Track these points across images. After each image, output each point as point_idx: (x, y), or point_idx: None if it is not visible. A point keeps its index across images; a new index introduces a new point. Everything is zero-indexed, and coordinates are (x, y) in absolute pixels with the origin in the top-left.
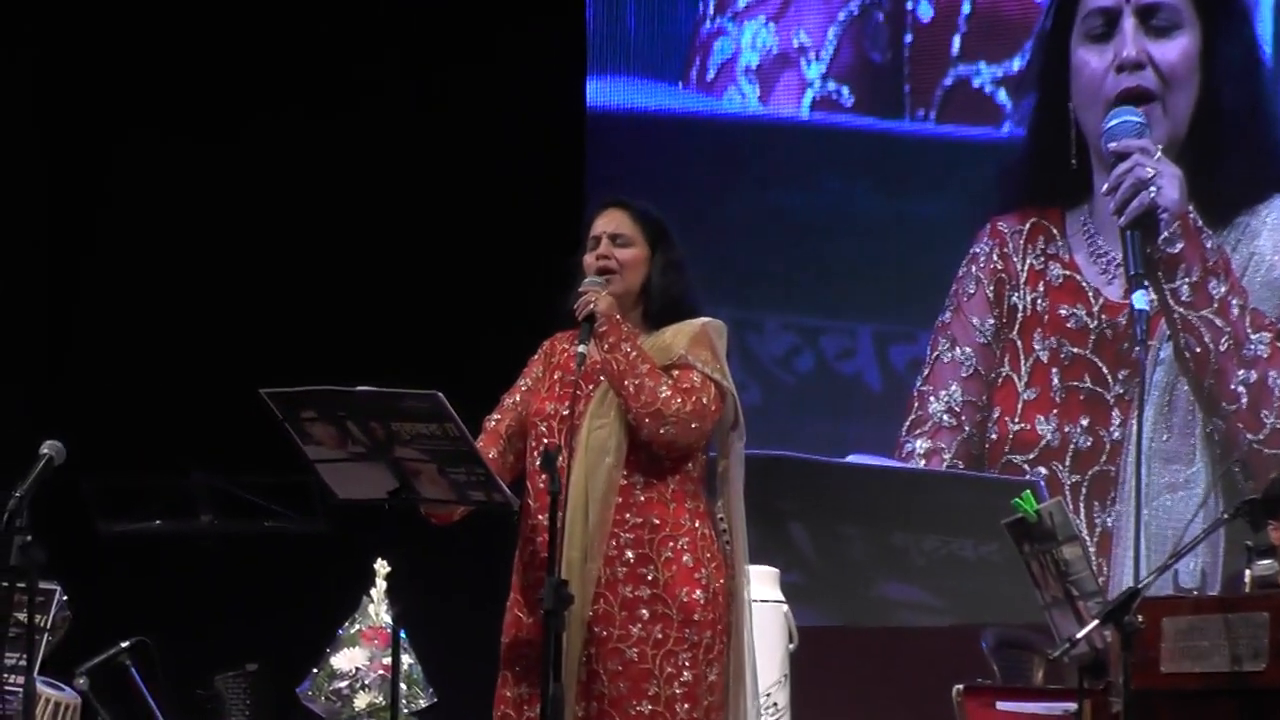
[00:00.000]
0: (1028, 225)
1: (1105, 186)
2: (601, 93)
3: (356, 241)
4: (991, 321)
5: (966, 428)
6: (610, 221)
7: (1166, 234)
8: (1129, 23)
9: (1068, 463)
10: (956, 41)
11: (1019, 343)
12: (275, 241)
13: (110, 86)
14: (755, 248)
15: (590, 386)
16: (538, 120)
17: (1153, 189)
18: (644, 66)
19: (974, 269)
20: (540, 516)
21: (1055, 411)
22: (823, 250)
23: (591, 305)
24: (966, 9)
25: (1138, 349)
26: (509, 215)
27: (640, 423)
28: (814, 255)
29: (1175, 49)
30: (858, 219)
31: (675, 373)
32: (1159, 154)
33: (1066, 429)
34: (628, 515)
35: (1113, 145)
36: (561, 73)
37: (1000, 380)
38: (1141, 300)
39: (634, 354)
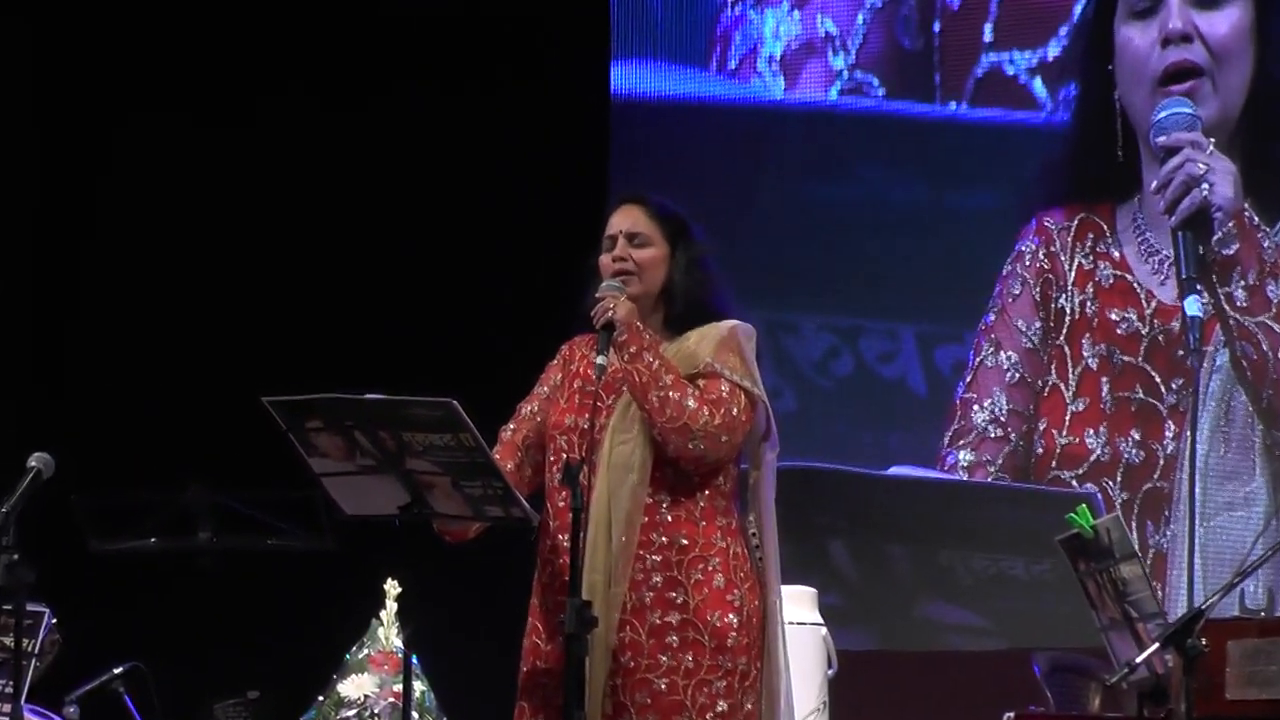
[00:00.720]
0: (1076, 221)
1: (1154, 184)
2: (627, 78)
3: (367, 238)
4: (1038, 325)
5: (1013, 439)
6: (626, 219)
7: (1220, 234)
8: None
9: (1119, 479)
10: (988, 30)
11: (1067, 349)
12: (278, 240)
13: (105, 85)
14: (788, 242)
15: (611, 398)
16: (559, 107)
17: (1205, 186)
18: (670, 51)
19: (1019, 268)
20: (560, 536)
21: (1105, 424)
22: (861, 244)
23: (610, 313)
24: None
25: (1191, 358)
26: (528, 209)
27: (666, 438)
28: (851, 250)
29: (1225, 21)
30: (896, 210)
31: (702, 382)
32: (1211, 148)
33: (1117, 443)
34: (654, 536)
35: (1161, 140)
36: (585, 58)
37: (1047, 390)
38: (1194, 306)
39: (657, 364)
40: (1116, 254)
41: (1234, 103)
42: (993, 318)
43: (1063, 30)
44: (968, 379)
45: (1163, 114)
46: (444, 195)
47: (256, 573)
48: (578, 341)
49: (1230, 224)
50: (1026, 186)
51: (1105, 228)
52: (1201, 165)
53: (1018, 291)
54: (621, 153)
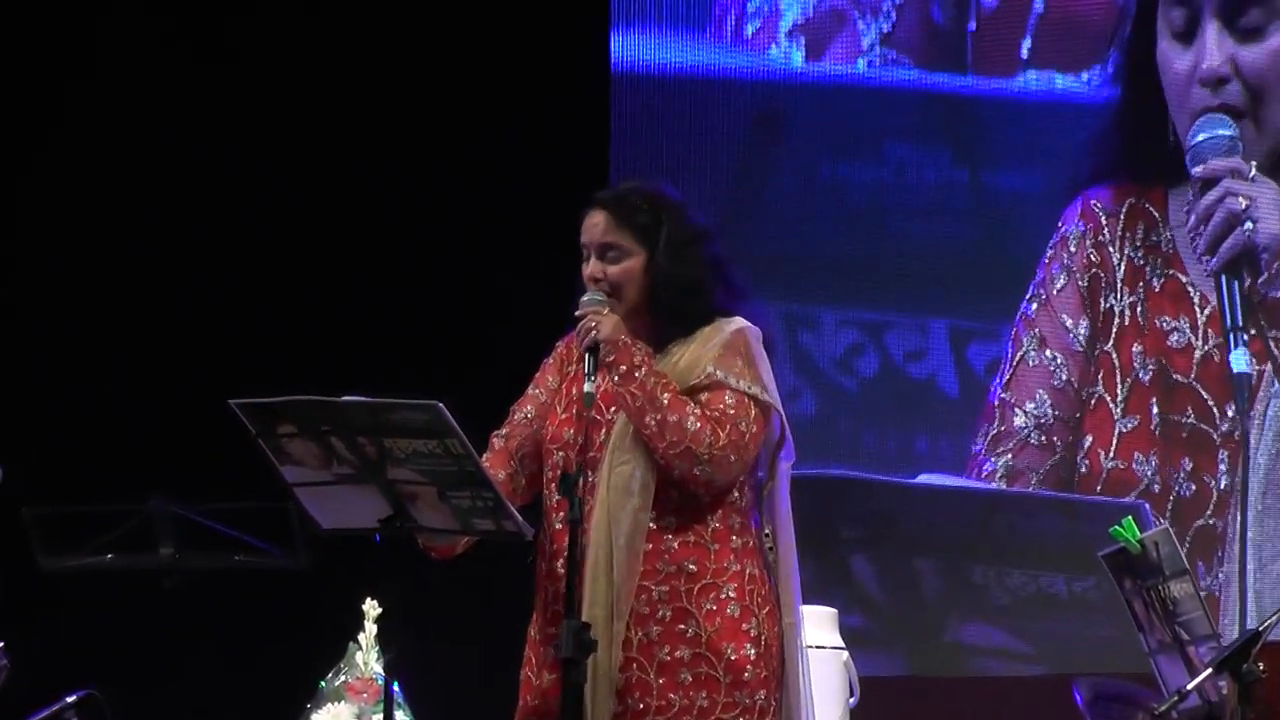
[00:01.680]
0: (1125, 207)
1: (1192, 219)
2: (628, 48)
3: (345, 223)
4: (1085, 325)
5: (1058, 449)
6: (594, 230)
7: (1267, 275)
8: (1210, 25)
9: (1168, 513)
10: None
11: (1115, 357)
12: (246, 226)
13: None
14: (808, 228)
15: (612, 410)
16: (552, 79)
17: (1248, 225)
18: (677, 16)
19: (1064, 255)
20: (559, 560)
21: (1155, 450)
22: (888, 230)
23: (593, 333)
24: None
25: (1242, 420)
26: (520, 191)
27: (670, 464)
28: (878, 236)
29: (1265, 53)
30: (927, 192)
31: (705, 395)
32: (1254, 172)
33: (1168, 472)
34: (659, 565)
35: (1198, 171)
36: (581, 25)
37: (1093, 401)
38: (1241, 361)
39: (652, 382)
40: (1169, 249)
41: (1277, 134)
42: (1034, 308)
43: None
44: (1005, 376)
45: (1200, 137)
46: (429, 179)
47: (223, 592)
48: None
49: (1277, 264)
50: (1071, 163)
51: (1157, 216)
52: (1243, 200)
53: (1062, 283)
54: (623, 131)
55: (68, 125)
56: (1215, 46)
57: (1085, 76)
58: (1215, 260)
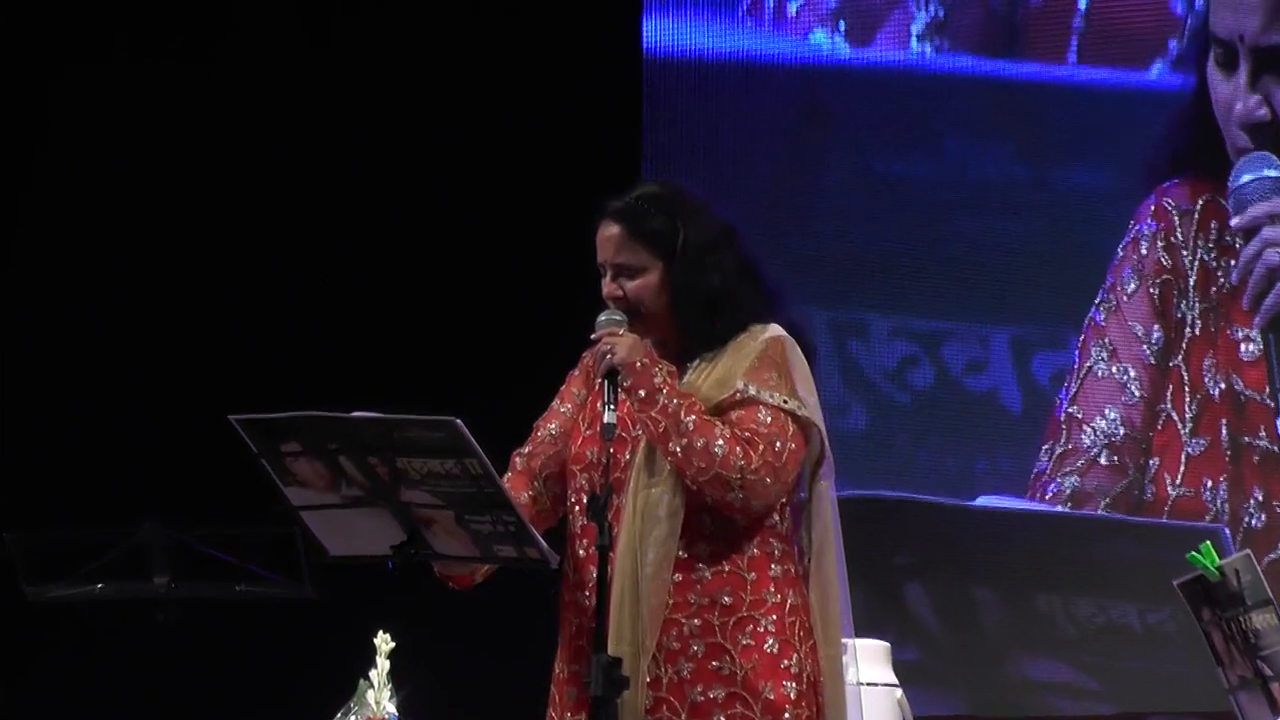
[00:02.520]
0: (1199, 204)
1: (1235, 273)
2: (662, 33)
3: (353, 226)
4: (1158, 335)
5: (1130, 471)
6: (607, 247)
7: None
8: (1244, 66)
9: (1237, 545)
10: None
11: (1184, 371)
12: (246, 230)
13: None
14: (857, 229)
15: (636, 428)
16: (580, 66)
17: None
18: (711, 0)
19: (1135, 257)
20: (585, 591)
21: (1225, 476)
22: (945, 231)
23: (610, 358)
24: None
25: None
26: (545, 189)
27: (701, 490)
28: (933, 238)
29: None
30: (989, 189)
31: (736, 413)
32: None
33: (1238, 500)
34: (690, 596)
35: (1236, 222)
36: (612, 8)
37: (1161, 421)
38: None
39: (675, 405)
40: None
41: None
42: (1104, 315)
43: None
44: (1071, 390)
45: (1245, 178)
46: (444, 176)
47: (223, 625)
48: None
49: None
50: (1144, 157)
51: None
52: None
53: (1133, 288)
54: (656, 123)
55: (56, 133)
56: (1249, 87)
57: (1155, 63)
58: (1259, 317)
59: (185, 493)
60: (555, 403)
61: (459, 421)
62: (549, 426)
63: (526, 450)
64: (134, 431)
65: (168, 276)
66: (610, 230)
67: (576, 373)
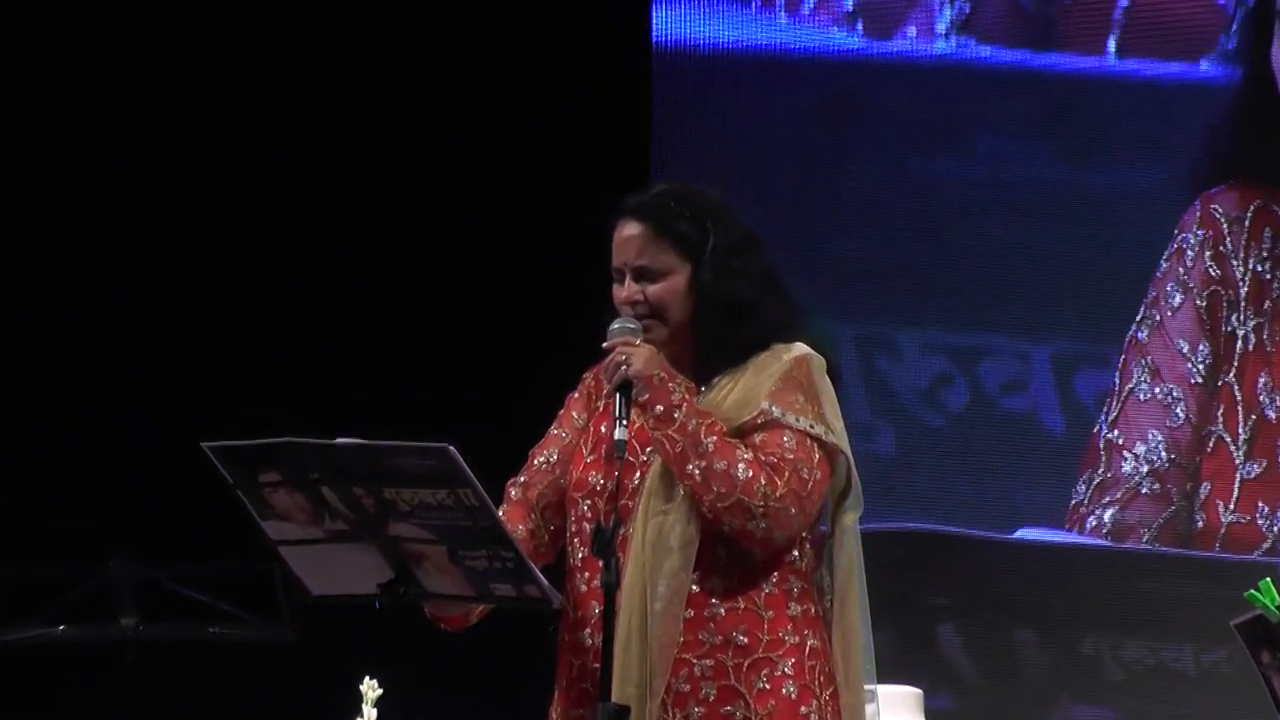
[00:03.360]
0: (1251, 211)
1: None
2: (672, 24)
3: (338, 232)
4: (1206, 351)
5: (1174, 499)
6: (629, 247)
7: None
8: None
9: None
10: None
11: (1237, 389)
12: (222, 239)
13: None
14: (884, 235)
15: (647, 451)
16: (586, 59)
17: None
18: None
19: (1179, 269)
20: (585, 630)
21: None
22: (979, 236)
23: (624, 370)
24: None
25: None
26: (549, 195)
27: (719, 518)
28: (967, 246)
29: None
30: (1026, 192)
31: (759, 436)
32: None
33: None
34: (703, 635)
35: None
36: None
37: (1211, 443)
38: None
39: (694, 424)
40: None
41: None
42: (1145, 333)
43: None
44: (1111, 414)
45: None
46: (435, 179)
47: (196, 671)
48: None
49: None
50: (1190, 160)
51: None
52: None
53: (1178, 302)
54: (667, 121)
55: (11, 146)
56: None
57: (1203, 56)
58: None
59: (155, 526)
60: (553, 428)
61: (452, 448)
62: (547, 453)
63: (522, 480)
64: (98, 458)
65: (141, 289)
66: (632, 229)
67: (576, 395)
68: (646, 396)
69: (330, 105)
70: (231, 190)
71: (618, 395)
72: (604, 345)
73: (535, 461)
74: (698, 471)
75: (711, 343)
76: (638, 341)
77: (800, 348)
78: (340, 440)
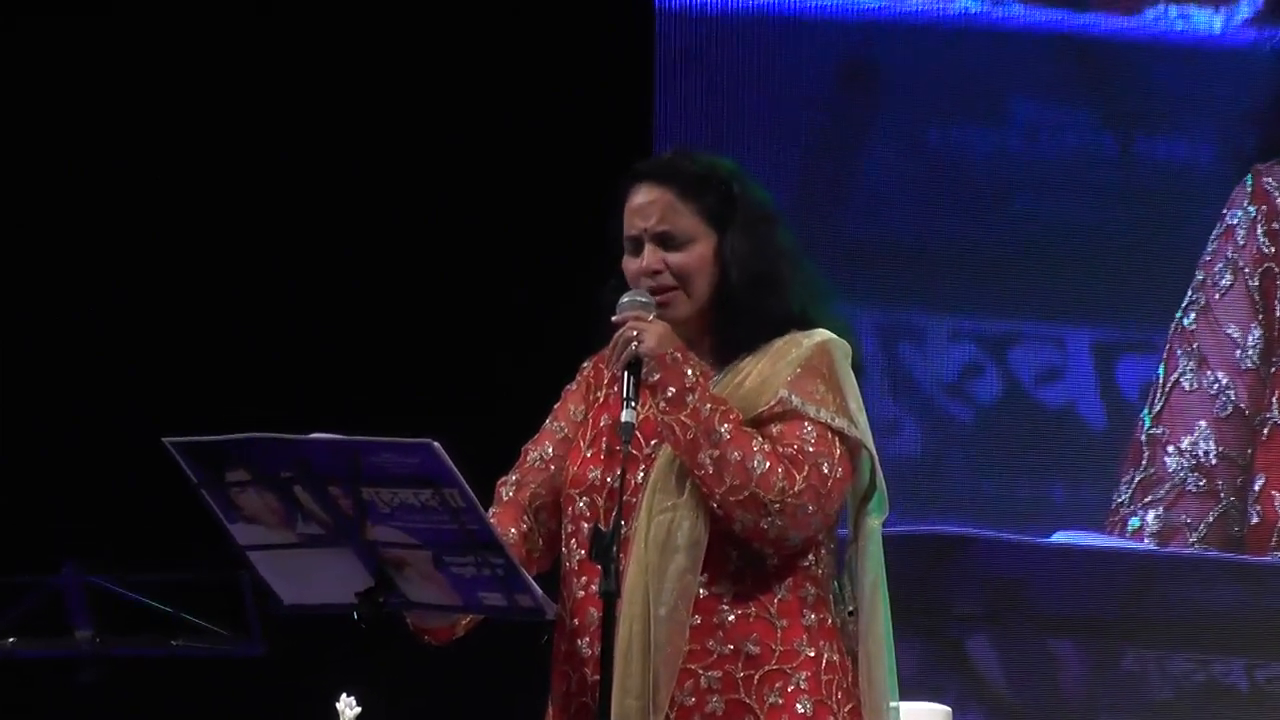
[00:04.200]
0: None
1: None
2: None
3: (312, 216)
4: (1258, 335)
5: (1223, 496)
6: (650, 209)
7: None
8: None
9: None
10: None
11: None
12: (188, 219)
13: None
14: (909, 210)
15: (652, 443)
16: (580, 23)
17: None
18: None
19: (1229, 249)
20: (582, 640)
21: None
22: (1014, 213)
23: (635, 346)
24: None
25: None
26: (542, 171)
27: (730, 514)
28: (1001, 221)
29: None
30: (1066, 165)
31: (777, 427)
32: None
33: None
34: (710, 644)
35: None
36: None
37: (1266, 432)
38: None
39: (708, 409)
40: None
41: None
42: (1193, 318)
43: None
44: (1156, 406)
45: None
46: (414, 156)
47: (158, 688)
48: (606, 359)
49: None
50: (1242, 129)
51: None
52: None
53: (1227, 283)
54: (669, 87)
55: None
56: None
57: (1257, 18)
58: None
59: (114, 531)
60: (548, 422)
61: (436, 444)
62: (542, 448)
63: (514, 478)
64: (54, 458)
65: (96, 280)
66: (652, 193)
67: (574, 386)
68: (658, 377)
69: (313, 92)
70: (204, 179)
71: (626, 375)
72: (613, 319)
73: (528, 458)
74: (710, 461)
75: (735, 320)
76: (650, 317)
77: (822, 333)
78: (315, 435)
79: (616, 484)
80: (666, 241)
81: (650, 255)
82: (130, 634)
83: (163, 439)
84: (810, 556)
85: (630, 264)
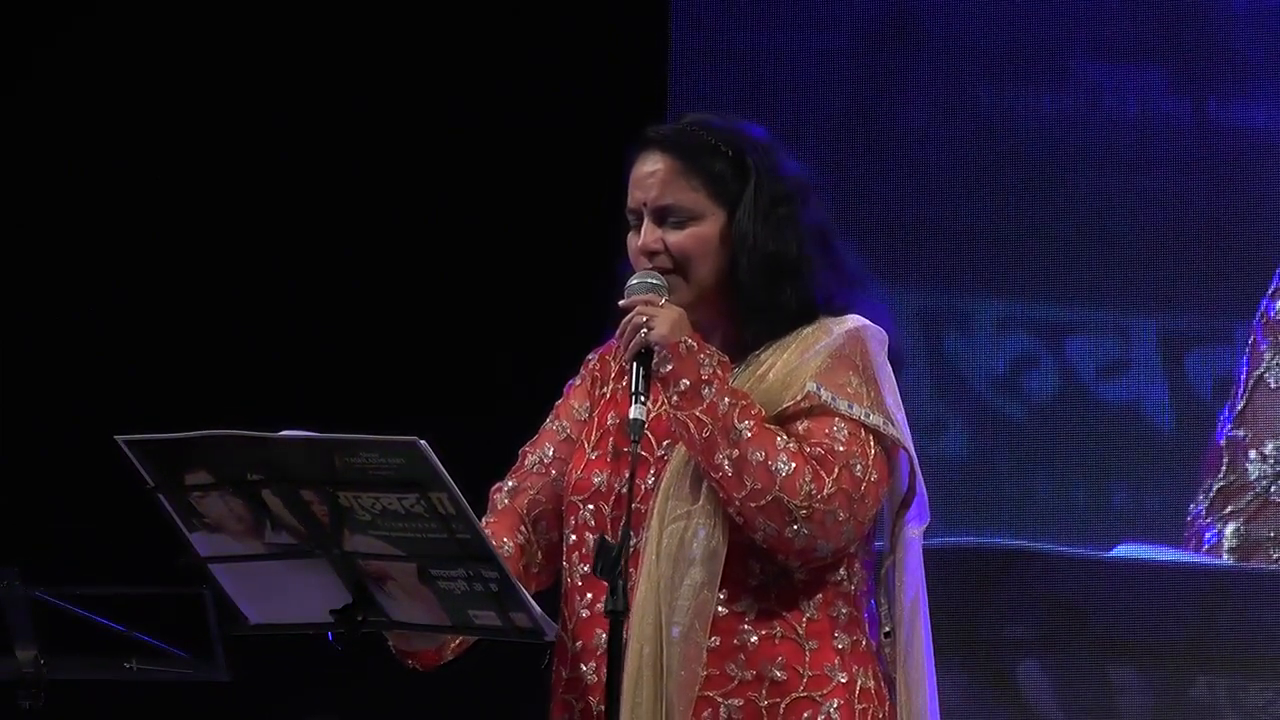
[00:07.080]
0: None
1: None
2: None
3: (289, 200)
4: None
5: None
6: (650, 182)
7: None
8: None
9: None
10: None
11: None
12: (151, 206)
13: None
14: (953, 187)
15: (664, 444)
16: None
17: None
18: None
19: None
20: (586, 664)
21: None
22: (1071, 187)
23: (644, 333)
24: None
25: None
26: (545, 144)
27: (751, 520)
28: (1058, 198)
29: None
30: (1132, 132)
31: (803, 424)
32: None
33: None
34: (731, 667)
35: None
36: None
37: None
38: None
39: (726, 404)
40: None
41: None
42: (1278, 308)
43: None
44: (1238, 405)
45: None
46: (418, 151)
47: (110, 714)
48: (613, 350)
49: None
50: None
51: None
52: None
53: None
54: (686, 51)
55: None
56: None
57: None
58: None
59: (60, 540)
60: (549, 421)
61: (423, 443)
62: (542, 451)
63: (511, 484)
64: None
65: (46, 274)
66: (655, 162)
67: (577, 382)
68: (670, 368)
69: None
70: (173, 161)
71: (635, 365)
72: (620, 304)
73: (527, 461)
74: (728, 463)
75: (750, 307)
76: (662, 301)
77: (855, 319)
78: (286, 433)
79: (624, 490)
80: (666, 217)
81: (649, 233)
82: (78, 654)
83: (115, 436)
84: (842, 571)
85: (632, 241)
